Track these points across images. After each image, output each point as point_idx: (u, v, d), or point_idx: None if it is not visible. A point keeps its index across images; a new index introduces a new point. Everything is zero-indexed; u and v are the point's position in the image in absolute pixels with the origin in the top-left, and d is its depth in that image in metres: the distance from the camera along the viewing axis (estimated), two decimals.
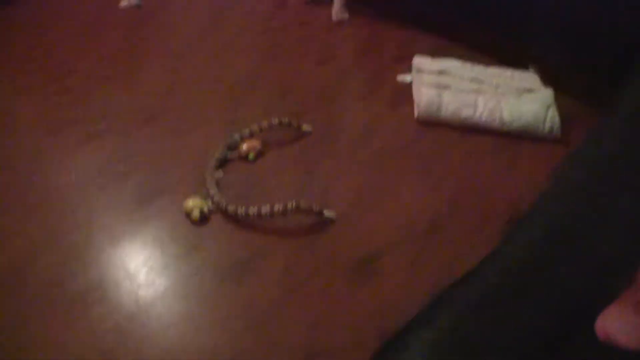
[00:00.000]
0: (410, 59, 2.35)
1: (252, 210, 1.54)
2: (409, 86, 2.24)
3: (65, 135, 1.99)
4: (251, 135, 1.88)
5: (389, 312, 1.30)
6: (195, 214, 1.58)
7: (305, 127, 1.97)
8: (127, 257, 1.53)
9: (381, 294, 1.40)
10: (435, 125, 2.04)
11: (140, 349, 1.27)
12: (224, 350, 1.28)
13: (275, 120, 1.89)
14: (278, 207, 1.52)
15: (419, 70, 2.23)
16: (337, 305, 1.38)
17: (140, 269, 1.48)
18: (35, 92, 2.28)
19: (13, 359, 1.26)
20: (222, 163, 1.81)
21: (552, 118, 1.94)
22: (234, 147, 1.86)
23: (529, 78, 2.19)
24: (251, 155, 1.84)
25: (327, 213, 1.58)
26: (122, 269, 1.48)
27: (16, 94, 2.28)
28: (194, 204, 1.60)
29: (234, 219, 1.59)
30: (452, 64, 2.20)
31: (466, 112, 1.99)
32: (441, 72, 2.15)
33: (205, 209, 1.60)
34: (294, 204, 1.53)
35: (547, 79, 2.15)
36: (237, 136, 1.87)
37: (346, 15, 2.88)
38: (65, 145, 1.95)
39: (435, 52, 2.31)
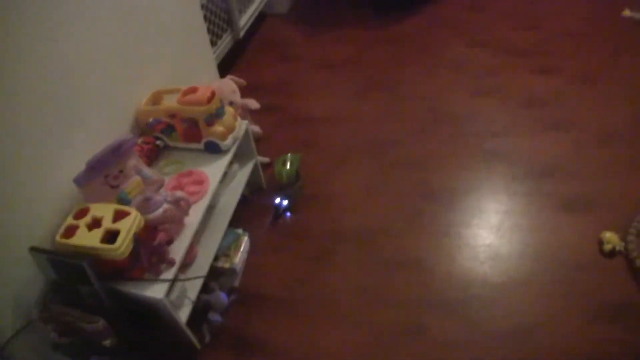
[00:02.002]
0: None
1: None
2: None
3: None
4: None
5: None
6: (608, 247, 1.76)
7: None
8: (528, 239, 1.84)
9: None
10: None
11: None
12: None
13: None
14: None
15: None
16: None
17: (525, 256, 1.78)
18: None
19: None
20: None
21: None
22: None
23: None
24: None
25: None
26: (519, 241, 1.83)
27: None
28: (611, 238, 1.77)
29: (633, 269, 1.70)
30: None
31: None
32: None
33: (617, 248, 1.75)
34: None
35: None
36: None
37: None
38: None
39: None
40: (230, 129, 1.71)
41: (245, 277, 1.80)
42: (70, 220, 1.33)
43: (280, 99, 2.63)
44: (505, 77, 2.63)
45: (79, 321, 1.23)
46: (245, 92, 2.13)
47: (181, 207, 1.45)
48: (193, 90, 1.66)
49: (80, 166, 1.36)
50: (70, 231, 1.31)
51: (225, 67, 2.64)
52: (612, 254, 1.77)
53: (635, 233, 1.79)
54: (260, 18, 3.26)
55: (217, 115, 1.67)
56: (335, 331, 1.62)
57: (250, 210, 2.02)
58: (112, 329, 1.26)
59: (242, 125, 1.80)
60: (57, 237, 1.29)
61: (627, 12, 3.08)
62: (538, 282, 1.71)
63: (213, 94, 1.63)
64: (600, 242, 1.80)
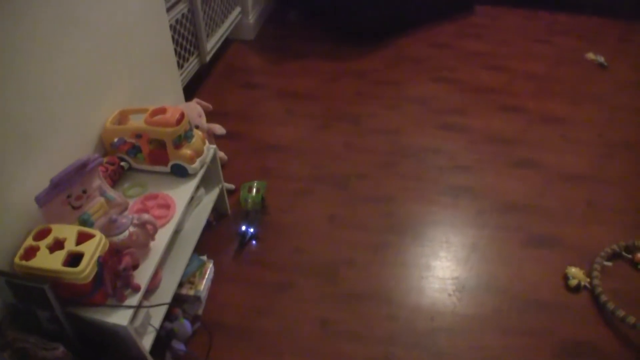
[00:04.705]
0: None
1: (620, 313, 1.67)
2: None
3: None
4: None
5: None
6: (573, 282, 1.82)
7: None
8: (494, 272, 1.84)
9: None
10: None
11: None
12: None
13: None
14: None
15: None
16: None
17: (492, 290, 1.77)
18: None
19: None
20: (614, 257, 1.95)
21: None
22: (631, 250, 1.96)
23: None
24: None
25: None
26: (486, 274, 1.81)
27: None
28: (576, 274, 1.84)
29: (599, 306, 1.76)
30: None
31: None
32: None
33: (582, 284, 1.82)
34: None
35: None
36: (638, 243, 1.96)
37: None
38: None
39: None
40: (199, 153, 1.68)
41: (208, 305, 1.74)
42: (30, 241, 1.26)
43: (243, 126, 2.62)
44: (469, 114, 2.71)
45: (37, 348, 1.16)
46: (208, 117, 2.10)
47: (148, 231, 1.40)
48: (161, 110, 1.62)
49: (42, 184, 1.30)
50: (30, 253, 1.24)
51: (188, 92, 2.60)
52: (577, 289, 1.82)
53: (599, 269, 1.85)
54: (226, 44, 3.26)
55: (185, 137, 1.64)
56: None
57: (215, 237, 1.98)
58: (72, 356, 1.19)
59: (210, 150, 1.78)
60: (16, 259, 1.22)
61: (590, 56, 3.30)
62: (504, 316, 1.73)
63: (182, 116, 1.61)
64: (566, 278, 1.85)
